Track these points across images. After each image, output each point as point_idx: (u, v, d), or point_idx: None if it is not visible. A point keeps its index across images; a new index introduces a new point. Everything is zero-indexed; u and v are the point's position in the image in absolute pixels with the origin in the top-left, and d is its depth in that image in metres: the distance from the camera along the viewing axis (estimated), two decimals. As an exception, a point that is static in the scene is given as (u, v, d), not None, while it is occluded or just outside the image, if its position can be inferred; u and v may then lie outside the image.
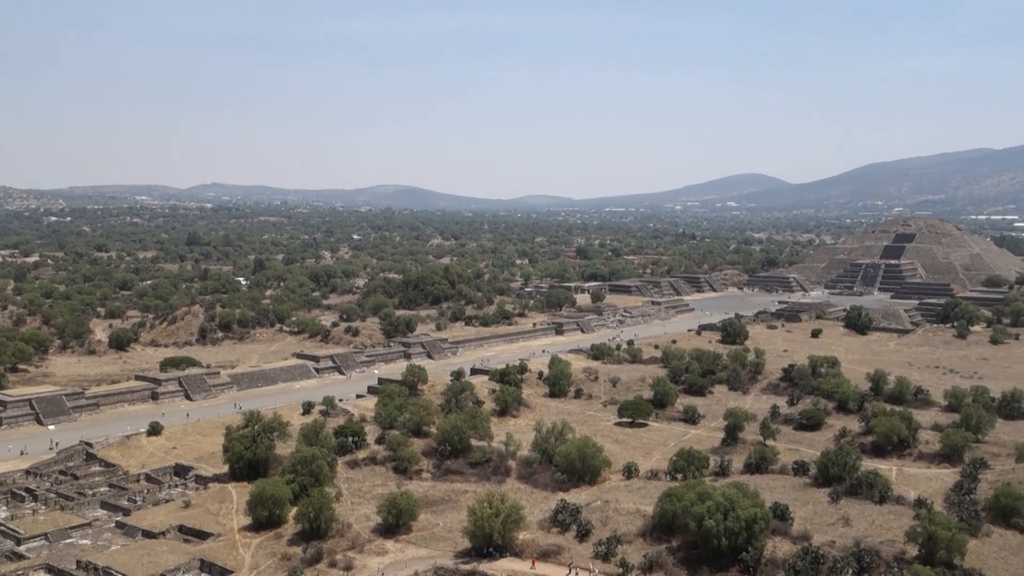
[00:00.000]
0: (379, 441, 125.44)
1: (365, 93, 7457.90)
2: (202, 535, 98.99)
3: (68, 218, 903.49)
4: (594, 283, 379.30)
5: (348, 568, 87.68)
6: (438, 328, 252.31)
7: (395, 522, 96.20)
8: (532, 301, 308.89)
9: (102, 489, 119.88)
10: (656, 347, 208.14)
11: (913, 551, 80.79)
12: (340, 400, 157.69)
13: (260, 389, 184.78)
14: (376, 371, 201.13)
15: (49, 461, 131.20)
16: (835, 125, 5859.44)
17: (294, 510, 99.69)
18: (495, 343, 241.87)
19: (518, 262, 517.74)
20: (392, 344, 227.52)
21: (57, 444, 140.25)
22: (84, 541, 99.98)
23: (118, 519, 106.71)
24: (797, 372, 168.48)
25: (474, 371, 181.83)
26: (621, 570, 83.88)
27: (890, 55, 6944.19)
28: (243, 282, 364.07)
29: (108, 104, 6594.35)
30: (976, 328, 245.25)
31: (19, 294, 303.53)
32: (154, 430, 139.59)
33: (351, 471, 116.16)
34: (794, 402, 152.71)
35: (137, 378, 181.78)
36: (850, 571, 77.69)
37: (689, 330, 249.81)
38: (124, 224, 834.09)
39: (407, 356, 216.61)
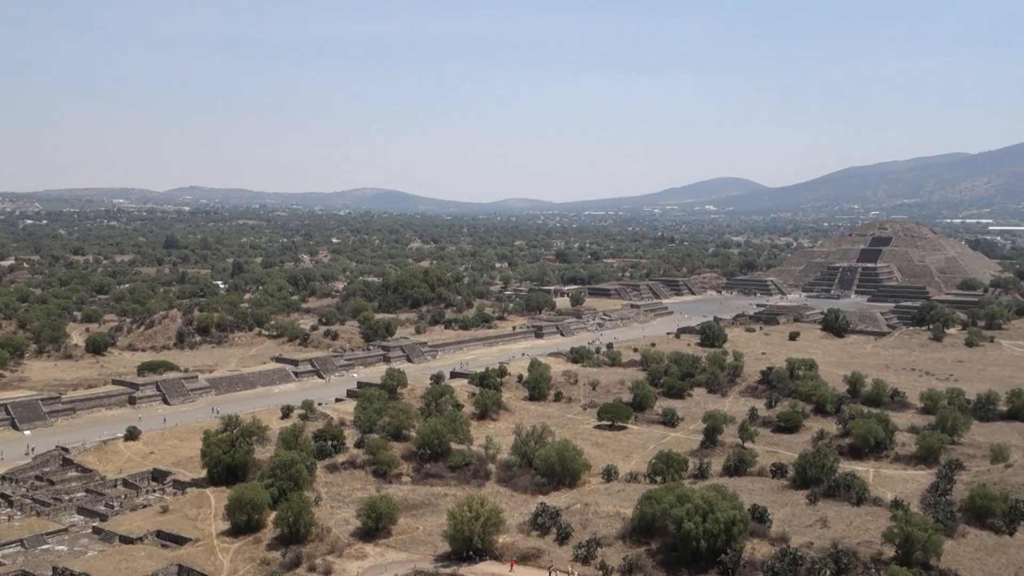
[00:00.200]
0: (358, 445, 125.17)
1: (344, 96, 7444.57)
2: (180, 540, 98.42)
3: (44, 221, 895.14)
4: (573, 286, 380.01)
5: (327, 572, 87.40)
6: (418, 331, 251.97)
7: (375, 526, 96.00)
8: (512, 304, 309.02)
9: (79, 495, 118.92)
10: (635, 350, 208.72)
11: (890, 552, 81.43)
12: (319, 404, 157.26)
13: (239, 393, 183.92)
14: (355, 375, 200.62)
15: (25, 466, 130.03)
16: (813, 129, 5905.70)
17: (273, 515, 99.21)
18: (475, 346, 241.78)
19: (498, 265, 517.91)
20: (371, 348, 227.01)
21: (33, 449, 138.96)
22: (60, 547, 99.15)
23: (95, 525, 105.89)
24: (775, 375, 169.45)
25: (454, 374, 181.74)
26: (601, 573, 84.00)
27: (868, 60, 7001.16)
28: (221, 285, 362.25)
29: (85, 106, 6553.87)
30: (951, 331, 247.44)
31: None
32: (131, 435, 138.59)
33: (330, 475, 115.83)
34: (772, 404, 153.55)
35: (114, 382, 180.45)
36: (828, 572, 78.21)
37: (668, 333, 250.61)
38: (101, 227, 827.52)
39: (386, 360, 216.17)
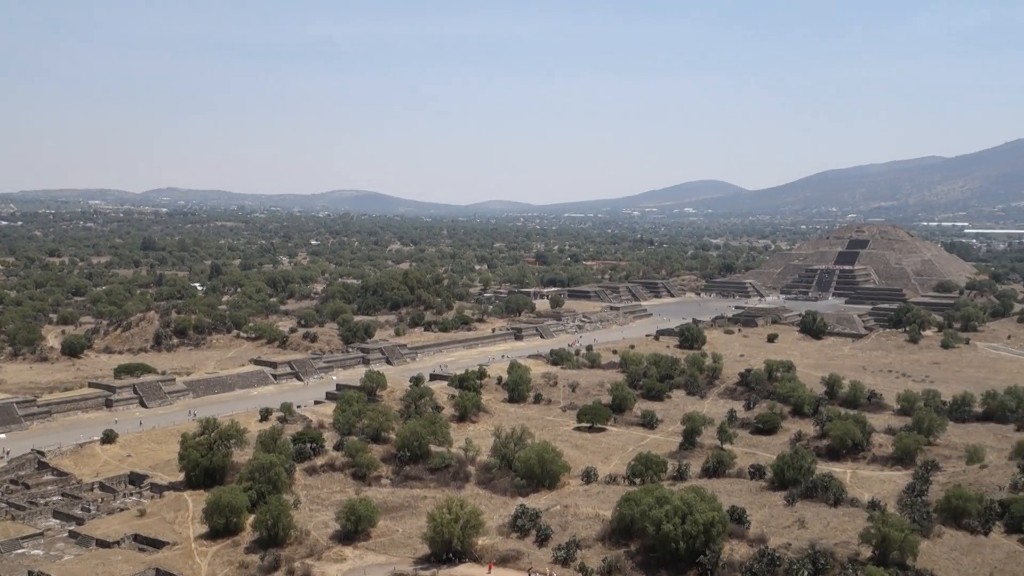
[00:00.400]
0: (338, 447, 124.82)
1: (323, 98, 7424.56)
2: (158, 544, 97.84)
3: (19, 223, 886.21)
4: (553, 288, 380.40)
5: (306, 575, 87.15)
6: (397, 334, 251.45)
7: (354, 529, 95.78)
8: (491, 306, 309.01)
9: (55, 498, 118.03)
10: (615, 352, 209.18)
11: (867, 552, 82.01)
12: (298, 406, 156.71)
13: (217, 396, 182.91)
14: (334, 377, 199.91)
15: (0, 470, 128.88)
16: (791, 132, 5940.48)
17: (251, 518, 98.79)
18: (454, 348, 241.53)
19: (477, 267, 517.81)
20: (351, 350, 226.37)
21: (8, 453, 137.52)
22: (36, 551, 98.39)
23: (71, 528, 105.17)
24: (754, 377, 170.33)
25: (433, 377, 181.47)
26: (580, 574, 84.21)
27: (845, 64, 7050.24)
28: (199, 288, 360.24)
29: (60, 107, 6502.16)
30: (927, 333, 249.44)
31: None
32: (108, 438, 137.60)
33: (309, 478, 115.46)
34: (751, 406, 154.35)
35: (91, 385, 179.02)
36: (806, 573, 78.70)
37: (647, 335, 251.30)
38: (77, 229, 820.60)
39: (366, 362, 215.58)
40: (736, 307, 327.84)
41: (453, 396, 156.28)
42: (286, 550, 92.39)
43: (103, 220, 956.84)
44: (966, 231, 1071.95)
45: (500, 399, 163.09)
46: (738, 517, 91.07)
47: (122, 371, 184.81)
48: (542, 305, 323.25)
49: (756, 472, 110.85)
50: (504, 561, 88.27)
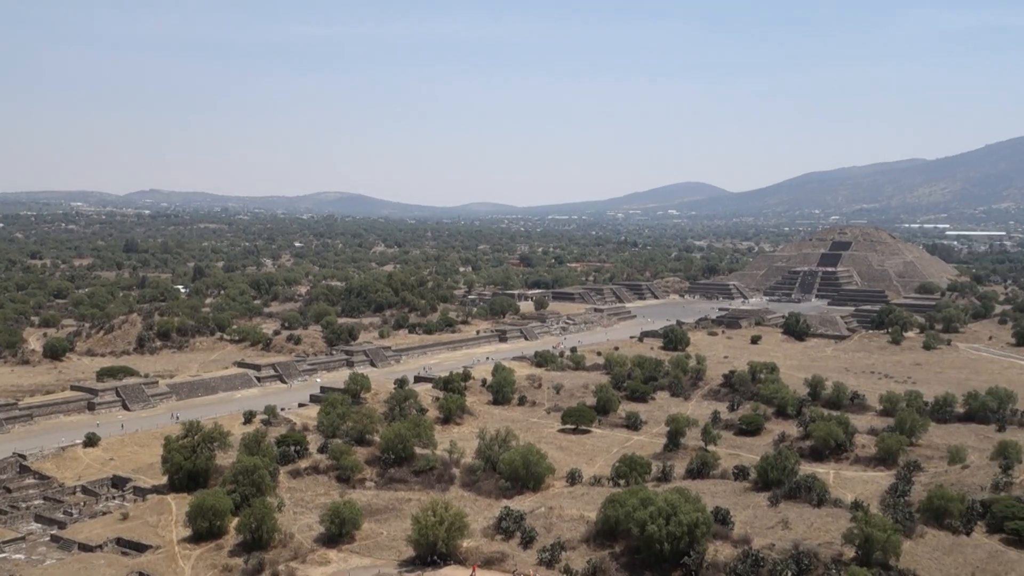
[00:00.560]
0: (322, 450, 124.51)
1: (307, 100, 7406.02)
2: (141, 548, 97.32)
3: (0, 224, 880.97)
4: (537, 290, 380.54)
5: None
6: (381, 336, 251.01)
7: (338, 531, 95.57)
8: (476, 308, 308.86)
9: (36, 502, 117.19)
10: (599, 354, 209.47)
11: (850, 553, 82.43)
12: (282, 409, 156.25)
13: (200, 399, 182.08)
14: (318, 379, 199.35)
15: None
16: (775, 134, 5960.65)
17: (235, 521, 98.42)
18: (439, 351, 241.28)
19: (461, 269, 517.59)
20: (335, 352, 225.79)
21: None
22: (18, 556, 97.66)
23: (53, 532, 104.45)
24: (737, 378, 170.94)
25: (418, 379, 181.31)
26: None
27: (828, 66, 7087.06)
28: (182, 290, 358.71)
29: (42, 108, 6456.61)
30: (910, 334, 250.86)
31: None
32: (91, 441, 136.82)
33: (293, 480, 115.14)
34: (734, 408, 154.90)
35: (73, 388, 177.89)
36: (789, 573, 79.02)
37: (631, 337, 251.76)
38: (59, 231, 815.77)
39: (350, 364, 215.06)
40: (720, 309, 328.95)
41: (437, 398, 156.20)
42: (270, 553, 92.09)
43: (85, 222, 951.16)
44: (947, 233, 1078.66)
45: (485, 401, 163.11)
46: (722, 518, 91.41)
47: (104, 374, 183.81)
48: (526, 307, 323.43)
49: (740, 473, 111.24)
50: (489, 563, 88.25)
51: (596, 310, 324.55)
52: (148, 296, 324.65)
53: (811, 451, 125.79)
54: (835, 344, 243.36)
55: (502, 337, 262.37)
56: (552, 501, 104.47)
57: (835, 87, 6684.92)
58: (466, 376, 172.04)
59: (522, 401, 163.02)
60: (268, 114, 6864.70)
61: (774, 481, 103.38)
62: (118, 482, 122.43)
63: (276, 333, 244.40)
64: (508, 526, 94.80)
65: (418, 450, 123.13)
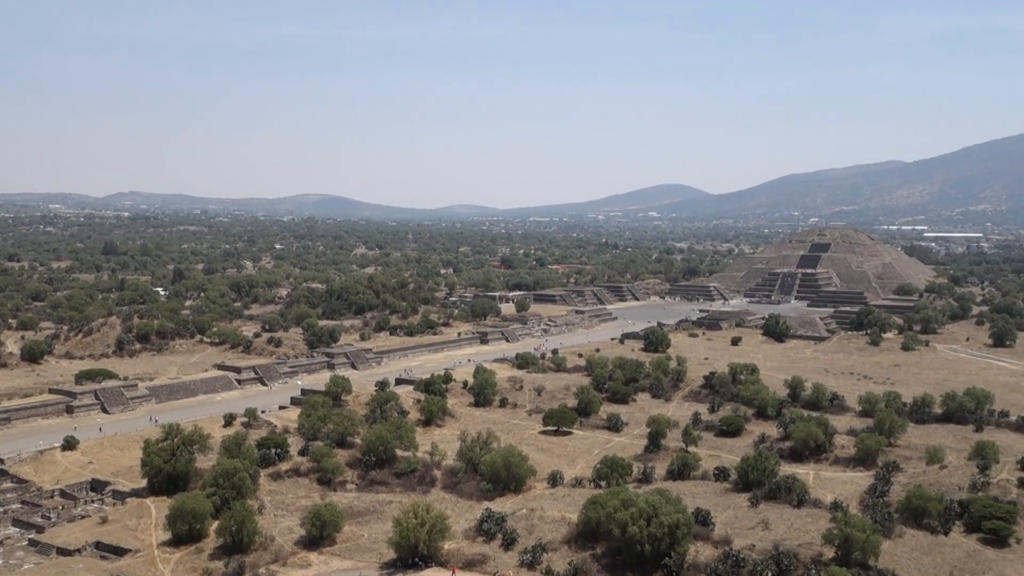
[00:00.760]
0: (302, 452, 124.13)
1: (287, 101, 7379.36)
2: (120, 551, 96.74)
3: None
4: (519, 292, 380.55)
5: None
6: (362, 338, 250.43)
7: (319, 534, 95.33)
8: (457, 311, 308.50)
9: (14, 506, 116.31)
10: (580, 356, 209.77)
11: (830, 553, 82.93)
12: (262, 412, 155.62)
13: (180, 401, 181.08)
14: (299, 382, 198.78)
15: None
16: (754, 137, 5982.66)
17: (215, 524, 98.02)
18: (420, 353, 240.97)
19: (443, 271, 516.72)
20: (315, 354, 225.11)
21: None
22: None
23: (31, 536, 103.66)
24: (718, 379, 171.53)
25: (399, 381, 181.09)
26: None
27: (807, 69, 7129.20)
28: (162, 292, 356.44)
29: (19, 109, 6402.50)
30: (888, 335, 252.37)
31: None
32: (69, 444, 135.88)
33: (274, 483, 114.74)
34: (715, 409, 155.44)
35: (51, 391, 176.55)
36: (769, 574, 79.43)
37: (612, 339, 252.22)
38: (37, 233, 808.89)
39: (331, 366, 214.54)
40: (700, 310, 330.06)
41: (419, 400, 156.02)
42: (250, 556, 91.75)
43: (63, 224, 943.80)
44: (925, 235, 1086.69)
45: (466, 403, 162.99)
46: (703, 519, 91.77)
47: (83, 377, 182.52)
48: (508, 309, 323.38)
49: (720, 474, 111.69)
50: (470, 565, 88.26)
51: (577, 312, 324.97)
52: (127, 299, 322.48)
53: (791, 452, 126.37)
54: (815, 345, 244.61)
55: (483, 339, 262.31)
56: (533, 503, 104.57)
57: (815, 89, 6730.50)
58: (447, 378, 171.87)
59: (503, 403, 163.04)
60: (248, 116, 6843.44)
61: (754, 482, 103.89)
62: (97, 485, 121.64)
63: (256, 335, 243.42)
64: (489, 528, 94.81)
65: (399, 452, 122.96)
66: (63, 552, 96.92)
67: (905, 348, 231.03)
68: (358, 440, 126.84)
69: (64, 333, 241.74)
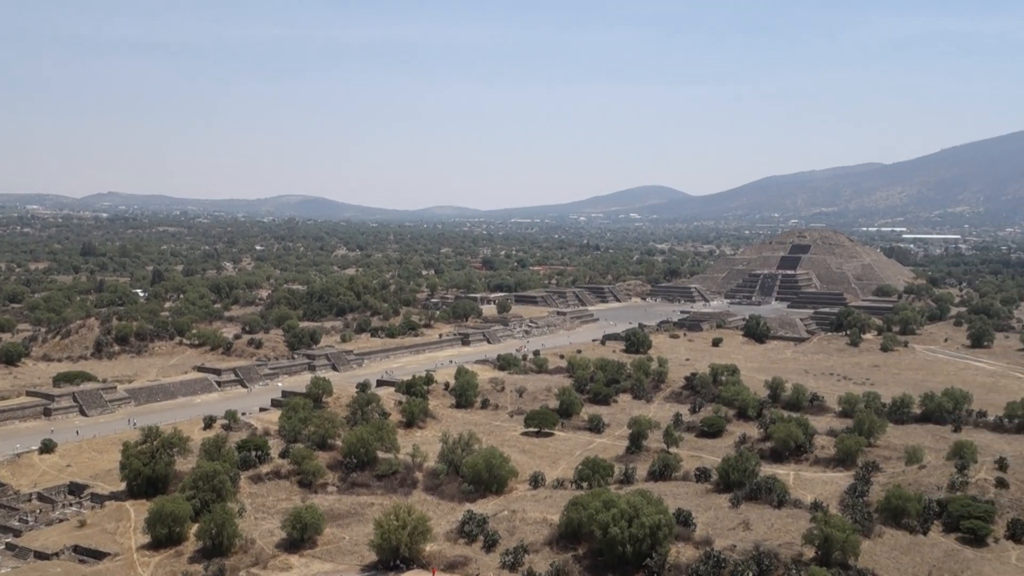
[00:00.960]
0: (283, 455, 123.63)
1: (268, 102, 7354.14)
2: (98, 555, 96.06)
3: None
4: (500, 294, 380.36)
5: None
6: (343, 340, 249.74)
7: (300, 537, 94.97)
8: (438, 312, 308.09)
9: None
10: (561, 357, 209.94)
11: (810, 553, 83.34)
12: (243, 414, 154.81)
13: (159, 404, 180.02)
14: (280, 384, 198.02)
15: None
16: (735, 138, 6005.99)
17: (195, 527, 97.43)
18: (401, 354, 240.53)
19: (424, 273, 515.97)
20: (296, 356, 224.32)
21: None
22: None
23: (8, 541, 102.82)
24: (699, 380, 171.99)
25: (380, 383, 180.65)
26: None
27: (787, 71, 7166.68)
28: (141, 294, 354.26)
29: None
30: (868, 336, 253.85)
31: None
32: (47, 447, 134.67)
33: (255, 486, 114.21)
34: (696, 410, 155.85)
35: (28, 394, 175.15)
36: (751, 574, 79.69)
37: (594, 340, 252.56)
38: (14, 234, 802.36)
39: (312, 368, 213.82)
40: (681, 312, 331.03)
41: (400, 402, 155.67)
42: (231, 559, 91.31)
43: (41, 225, 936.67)
44: (904, 236, 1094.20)
45: (447, 405, 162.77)
46: (684, 520, 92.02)
47: (61, 379, 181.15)
48: (489, 310, 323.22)
49: (701, 475, 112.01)
50: (451, 567, 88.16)
51: (559, 313, 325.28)
52: (106, 300, 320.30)
53: (771, 452, 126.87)
54: (795, 346, 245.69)
55: (465, 340, 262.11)
56: (515, 504, 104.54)
57: (795, 92, 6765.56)
58: (429, 380, 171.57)
59: (485, 404, 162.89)
60: (229, 117, 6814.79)
61: (735, 482, 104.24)
62: (75, 489, 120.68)
63: (237, 337, 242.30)
64: (471, 530, 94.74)
65: (380, 454, 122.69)
66: (41, 556, 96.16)
67: (884, 349, 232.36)
68: (339, 442, 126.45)
69: (42, 335, 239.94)
